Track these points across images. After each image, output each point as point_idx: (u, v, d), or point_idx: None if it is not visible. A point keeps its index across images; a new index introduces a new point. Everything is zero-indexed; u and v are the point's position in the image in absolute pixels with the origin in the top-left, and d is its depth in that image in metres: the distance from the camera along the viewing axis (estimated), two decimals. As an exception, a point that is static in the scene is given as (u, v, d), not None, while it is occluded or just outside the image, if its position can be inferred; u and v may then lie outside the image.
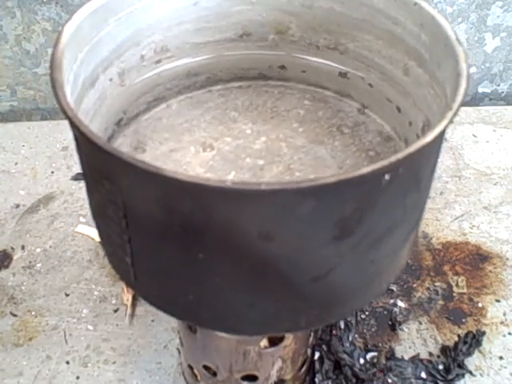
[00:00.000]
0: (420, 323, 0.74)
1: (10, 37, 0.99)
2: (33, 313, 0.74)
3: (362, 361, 0.68)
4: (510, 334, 0.72)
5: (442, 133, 0.38)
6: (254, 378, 0.59)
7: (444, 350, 0.70)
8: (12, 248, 0.81)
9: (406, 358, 0.69)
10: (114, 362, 0.69)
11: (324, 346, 0.68)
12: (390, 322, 0.73)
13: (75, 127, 0.36)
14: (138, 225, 0.39)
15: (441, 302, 0.76)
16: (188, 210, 0.36)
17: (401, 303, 0.75)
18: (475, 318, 0.74)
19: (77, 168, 0.92)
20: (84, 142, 0.38)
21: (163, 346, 0.71)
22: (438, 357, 0.70)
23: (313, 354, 0.67)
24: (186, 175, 0.33)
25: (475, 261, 0.81)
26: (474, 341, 0.70)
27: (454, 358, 0.68)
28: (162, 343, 0.71)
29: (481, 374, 0.68)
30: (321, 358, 0.67)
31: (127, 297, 0.75)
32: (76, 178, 0.91)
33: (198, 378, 0.63)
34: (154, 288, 0.44)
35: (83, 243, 0.82)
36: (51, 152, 0.96)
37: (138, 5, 0.49)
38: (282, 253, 0.38)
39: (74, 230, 0.84)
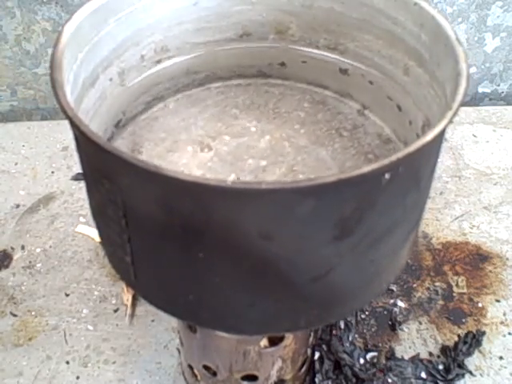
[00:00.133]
0: (420, 323, 0.74)
1: (9, 37, 0.99)
2: (33, 313, 0.74)
3: (362, 361, 0.68)
4: (510, 333, 0.72)
5: (442, 132, 0.38)
6: (254, 377, 0.59)
7: (444, 350, 0.70)
8: (12, 248, 0.81)
9: (406, 357, 0.69)
10: (114, 362, 0.69)
11: (324, 346, 0.68)
12: (390, 322, 0.73)
13: (75, 127, 0.36)
14: (138, 224, 0.39)
15: (441, 302, 0.76)
16: (188, 210, 0.36)
17: (401, 303, 0.75)
18: (475, 318, 0.74)
19: (77, 168, 0.92)
20: (84, 142, 0.38)
21: (163, 346, 0.71)
22: (438, 357, 0.70)
23: (313, 354, 0.67)
24: (186, 175, 0.33)
25: (475, 261, 0.81)
26: (474, 341, 0.70)
27: (454, 357, 0.68)
28: (162, 343, 0.71)
29: (481, 374, 0.68)
30: (321, 358, 0.67)
31: (127, 297, 0.75)
32: (76, 177, 0.91)
33: (198, 377, 0.63)
34: (154, 288, 0.44)
35: (83, 243, 0.82)
36: (51, 152, 0.96)
37: (138, 5, 0.49)
38: (282, 253, 0.38)
39: (74, 230, 0.84)
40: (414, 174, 0.39)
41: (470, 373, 0.68)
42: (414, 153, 0.35)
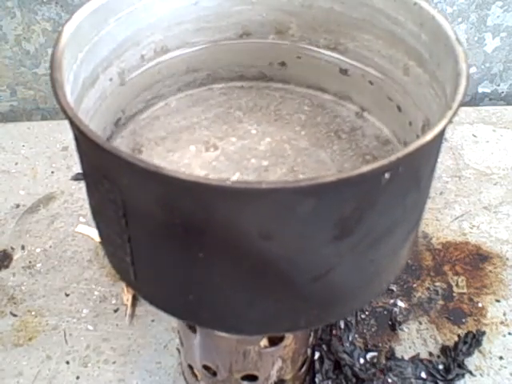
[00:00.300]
0: (420, 323, 0.74)
1: (9, 37, 0.99)
2: (33, 313, 0.74)
3: (362, 361, 0.68)
4: (510, 333, 0.72)
5: (442, 132, 0.38)
6: (254, 377, 0.59)
7: (444, 350, 0.70)
8: (12, 248, 0.81)
9: (406, 358, 0.69)
10: (114, 362, 0.69)
11: (324, 346, 0.68)
12: (390, 322, 0.73)
13: (75, 127, 0.36)
14: (138, 224, 0.39)
15: (441, 302, 0.76)
16: (188, 210, 0.36)
17: (401, 303, 0.75)
18: (475, 318, 0.74)
19: (77, 168, 0.92)
20: (84, 142, 0.38)
21: (163, 346, 0.71)
22: (438, 357, 0.70)
23: (313, 354, 0.67)
24: (186, 174, 0.33)
25: (475, 261, 0.81)
26: (474, 341, 0.70)
27: (454, 358, 0.68)
28: (162, 343, 0.71)
29: (481, 374, 0.68)
30: (321, 358, 0.67)
31: (127, 297, 0.75)
32: (76, 177, 0.91)
33: (198, 377, 0.63)
34: (154, 288, 0.44)
35: (83, 243, 0.82)
36: (51, 152, 0.96)
37: (138, 4, 0.49)
38: (282, 252, 0.38)
39: (74, 230, 0.84)
40: (413, 173, 0.39)
41: (470, 373, 0.68)
42: (413, 153, 0.35)
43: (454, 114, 0.38)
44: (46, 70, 1.02)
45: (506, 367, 0.69)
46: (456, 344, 0.70)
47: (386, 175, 0.35)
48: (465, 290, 0.77)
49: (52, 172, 0.93)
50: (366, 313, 0.74)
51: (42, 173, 0.93)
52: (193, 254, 0.38)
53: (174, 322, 0.71)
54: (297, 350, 0.59)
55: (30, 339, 0.71)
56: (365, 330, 0.72)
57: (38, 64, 1.02)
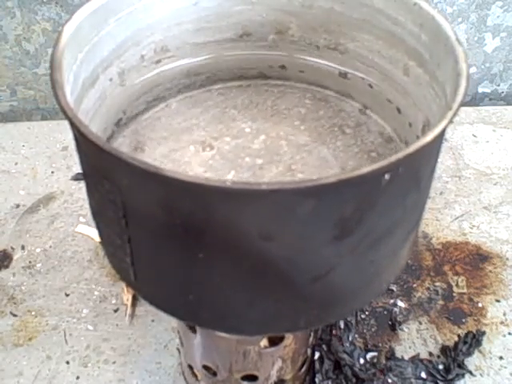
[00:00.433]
0: (420, 323, 0.74)
1: (10, 37, 0.99)
2: (33, 313, 0.74)
3: (362, 361, 0.68)
4: (510, 333, 0.72)
5: (442, 133, 0.38)
6: (254, 377, 0.59)
7: (444, 349, 0.70)
8: (12, 248, 0.81)
9: (406, 358, 0.69)
10: (114, 362, 0.69)
11: (324, 346, 0.68)
12: (390, 322, 0.73)
13: (75, 127, 0.36)
14: (138, 225, 0.39)
15: (441, 302, 0.76)
16: (188, 210, 0.36)
17: (401, 303, 0.75)
18: (475, 318, 0.74)
19: (77, 168, 0.92)
20: (84, 142, 0.38)
21: (163, 346, 0.71)
22: (438, 357, 0.70)
23: (313, 354, 0.67)
24: (186, 175, 0.33)
25: (475, 261, 0.81)
26: (474, 341, 0.70)
27: (454, 358, 0.68)
28: (162, 343, 0.71)
29: (481, 374, 0.68)
30: (321, 358, 0.67)
31: (127, 297, 0.75)
32: (76, 178, 0.91)
33: (198, 377, 0.63)
34: (154, 288, 0.44)
35: (83, 243, 0.82)
36: (51, 152, 0.96)
37: (138, 5, 0.49)
38: (282, 253, 0.38)
39: (74, 230, 0.84)
40: (413, 174, 0.39)
41: (470, 373, 0.68)
42: (413, 153, 0.35)
43: (455, 114, 0.38)
44: (46, 70, 1.02)
45: (506, 367, 0.69)
46: (456, 344, 0.70)
47: (386, 176, 0.35)
48: (465, 290, 0.77)
49: (52, 172, 0.93)
50: (366, 313, 0.74)
51: (41, 173, 0.93)
52: (193, 254, 0.38)
53: (173, 322, 0.71)
54: (297, 350, 0.59)
55: (30, 339, 0.71)
56: (365, 330, 0.72)
57: (38, 64, 1.02)
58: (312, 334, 0.64)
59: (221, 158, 0.51)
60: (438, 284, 0.78)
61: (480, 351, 0.70)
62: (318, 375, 0.66)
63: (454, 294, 0.77)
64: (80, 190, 0.89)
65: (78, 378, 0.68)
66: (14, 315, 0.74)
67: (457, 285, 0.78)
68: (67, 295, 0.76)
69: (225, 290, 0.41)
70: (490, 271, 0.79)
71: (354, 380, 0.66)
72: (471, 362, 0.69)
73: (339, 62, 0.55)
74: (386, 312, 0.74)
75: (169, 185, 0.34)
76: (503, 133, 1.01)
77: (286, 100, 0.56)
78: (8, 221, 0.85)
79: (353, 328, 0.71)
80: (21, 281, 0.77)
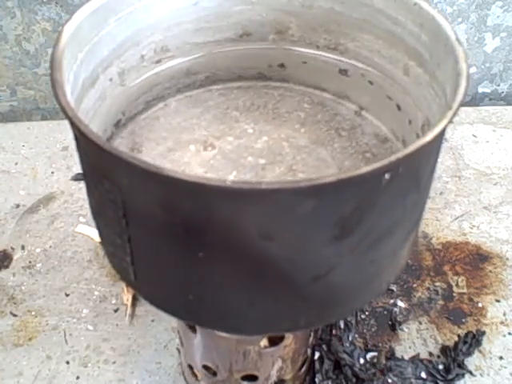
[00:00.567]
0: (420, 323, 0.74)
1: (10, 37, 0.99)
2: (33, 313, 0.74)
3: (362, 361, 0.68)
4: (510, 333, 0.72)
5: (442, 132, 0.38)
6: (254, 377, 0.59)
7: (444, 350, 0.70)
8: (12, 248, 0.81)
9: (406, 357, 0.69)
10: (114, 362, 0.69)
11: (324, 346, 0.68)
12: (390, 322, 0.73)
13: (75, 127, 0.36)
14: (138, 224, 0.39)
15: (441, 302, 0.76)
16: (188, 210, 0.36)
17: (401, 303, 0.75)
18: (475, 318, 0.74)
19: (77, 168, 0.92)
20: (84, 142, 0.38)
21: (163, 346, 0.71)
22: (438, 357, 0.70)
23: (313, 354, 0.67)
24: (186, 175, 0.33)
25: (475, 261, 0.81)
26: (473, 341, 0.70)
27: (454, 358, 0.68)
28: (162, 343, 0.71)
29: (481, 374, 0.68)
30: (321, 358, 0.67)
31: (127, 297, 0.75)
32: (76, 178, 0.91)
33: (198, 377, 0.63)
34: (154, 287, 0.44)
35: (83, 243, 0.82)
36: (51, 152, 0.96)
37: (138, 5, 0.49)
38: (282, 252, 0.38)
39: (74, 230, 0.84)
40: (413, 174, 0.39)
41: (470, 373, 0.68)
42: (413, 153, 0.35)
43: (454, 114, 0.38)
44: (46, 70, 1.02)
45: (505, 367, 0.69)
46: (456, 344, 0.70)
47: (386, 176, 0.35)
48: (465, 290, 0.77)
49: (52, 172, 0.93)
50: (366, 313, 0.74)
51: (42, 173, 0.93)
52: (193, 253, 0.38)
53: (174, 321, 0.71)
54: (297, 350, 0.59)
55: (30, 339, 0.71)
56: (365, 330, 0.72)
57: (38, 64, 1.02)
58: (312, 334, 0.64)
59: (222, 158, 0.51)
60: (437, 284, 0.78)
61: (480, 351, 0.70)
62: (317, 375, 0.66)
63: (454, 294, 0.77)
64: (80, 190, 0.89)
65: (78, 377, 0.68)
66: (14, 315, 0.74)
67: (457, 285, 0.78)
68: (67, 295, 0.76)
69: (225, 289, 0.41)
70: (490, 271, 0.79)
71: (354, 380, 0.66)
72: (471, 361, 0.69)
73: (339, 63, 0.55)
74: (385, 312, 0.74)
75: (169, 184, 0.34)
76: (503, 133, 1.01)
77: (286, 103, 0.57)
78: (8, 221, 0.85)
79: (353, 328, 0.71)
80: (21, 281, 0.77)
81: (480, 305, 0.75)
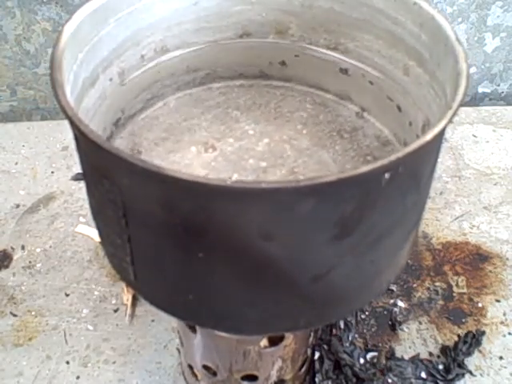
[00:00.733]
0: (420, 323, 0.73)
1: (10, 37, 0.99)
2: (33, 313, 0.74)
3: (362, 361, 0.68)
4: (510, 333, 0.72)
5: (442, 132, 0.38)
6: (254, 377, 0.59)
7: (444, 349, 0.70)
8: (12, 248, 0.81)
9: (406, 358, 0.69)
10: (114, 362, 0.69)
11: (324, 346, 0.68)
12: (390, 322, 0.73)
13: (75, 126, 0.36)
14: (138, 224, 0.39)
15: (441, 302, 0.76)
16: (188, 210, 0.36)
17: (401, 303, 0.75)
18: (475, 318, 0.74)
19: (77, 168, 0.92)
20: (84, 142, 0.38)
21: (163, 346, 0.71)
22: (438, 357, 0.70)
23: (313, 354, 0.67)
24: (186, 174, 0.33)
25: (475, 261, 0.81)
26: (473, 341, 0.70)
27: (454, 357, 0.68)
28: (162, 343, 0.71)
29: (481, 374, 0.68)
30: (321, 358, 0.67)
31: (127, 297, 0.75)
32: (76, 177, 0.91)
33: (198, 377, 0.63)
34: (154, 288, 0.44)
35: (83, 243, 0.82)
36: (51, 152, 0.96)
37: (138, 5, 0.49)
38: (282, 252, 0.38)
39: (74, 230, 0.84)
40: (413, 173, 0.39)
41: (470, 373, 0.68)
42: (413, 153, 0.35)
43: (454, 114, 0.38)
44: (45, 70, 1.02)
45: (505, 367, 0.69)
46: (456, 344, 0.70)
47: (386, 175, 0.35)
48: (465, 290, 0.77)
49: (52, 172, 0.93)
50: (366, 313, 0.74)
51: (41, 173, 0.93)
52: (193, 253, 0.38)
53: (174, 321, 0.71)
54: (297, 350, 0.59)
55: (30, 339, 0.71)
56: (365, 330, 0.72)
57: (38, 64, 1.02)
58: (312, 334, 0.64)
59: (224, 160, 0.51)
60: (437, 284, 0.78)
61: (480, 351, 0.70)
62: (317, 375, 0.66)
63: (454, 294, 0.77)
64: (80, 190, 0.89)
65: (78, 377, 0.68)
66: (14, 315, 0.74)
67: (457, 285, 0.78)
68: (67, 295, 0.76)
69: (225, 289, 0.41)
70: (490, 271, 0.79)
71: (354, 380, 0.66)
72: (471, 361, 0.69)
73: (339, 62, 0.55)
74: (386, 312, 0.74)
75: (169, 184, 0.34)
76: (503, 133, 1.01)
77: (288, 103, 0.57)
78: (8, 221, 0.85)
79: (353, 328, 0.71)
80: (21, 281, 0.77)
81: (480, 305, 0.75)
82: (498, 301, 0.76)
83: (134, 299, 0.75)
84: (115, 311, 0.74)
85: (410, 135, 0.50)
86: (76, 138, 0.41)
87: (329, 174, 0.49)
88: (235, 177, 0.50)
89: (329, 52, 0.54)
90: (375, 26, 0.50)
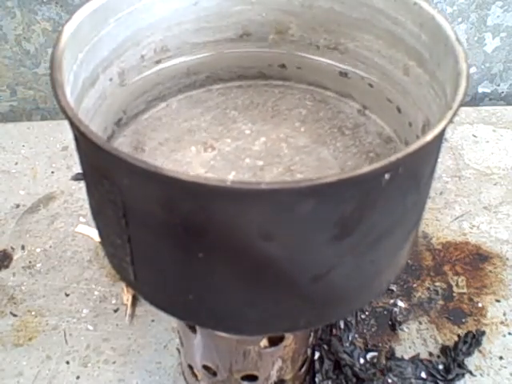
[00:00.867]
0: (420, 323, 0.74)
1: (10, 37, 0.99)
2: (33, 313, 0.74)
3: (362, 361, 0.68)
4: (510, 333, 0.72)
5: (442, 132, 0.38)
6: (254, 377, 0.59)
7: (444, 350, 0.70)
8: (12, 248, 0.81)
9: (406, 358, 0.69)
10: (114, 362, 0.69)
11: (324, 346, 0.68)
12: (390, 322, 0.73)
13: (75, 127, 0.36)
14: (138, 224, 0.39)
15: (441, 302, 0.76)
16: (188, 210, 0.36)
17: (401, 303, 0.75)
18: (475, 318, 0.74)
19: (77, 168, 0.92)
20: (84, 142, 0.38)
21: (163, 346, 0.71)
22: (438, 357, 0.70)
23: (313, 354, 0.67)
24: (186, 175, 0.33)
25: (475, 261, 0.81)
26: (473, 341, 0.70)
27: (454, 357, 0.68)
28: (162, 343, 0.71)
29: (481, 374, 0.68)
30: (321, 358, 0.67)
31: (127, 297, 0.75)
32: (76, 177, 0.91)
33: (198, 377, 0.63)
34: (154, 288, 0.44)
35: (83, 243, 0.82)
36: (51, 152, 0.96)
37: (138, 5, 0.49)
38: (282, 252, 0.38)
39: (74, 230, 0.84)
40: (413, 174, 0.39)
41: (470, 373, 0.68)
42: (413, 153, 0.35)
43: (455, 114, 0.38)
44: (45, 70, 1.02)
45: (505, 367, 0.69)
46: (456, 344, 0.70)
47: (386, 176, 0.35)
48: (465, 290, 0.77)
49: (52, 172, 0.93)
50: (366, 313, 0.74)
51: (41, 173, 0.93)
52: (193, 253, 0.38)
53: (174, 321, 0.71)
54: (297, 350, 0.59)
55: (30, 339, 0.71)
56: (365, 330, 0.72)
57: (38, 64, 1.02)
58: (312, 334, 0.64)
59: (222, 159, 0.51)
60: (438, 284, 0.78)
61: (480, 351, 0.70)
62: (317, 375, 0.66)
63: (454, 294, 0.77)
64: (80, 190, 0.89)
65: (78, 377, 0.68)
66: (14, 315, 0.74)
67: (457, 285, 0.78)
68: (67, 295, 0.76)
69: (225, 289, 0.41)
70: (490, 271, 0.79)
71: (354, 380, 0.66)
72: (471, 361, 0.69)
73: (339, 62, 0.55)
74: (386, 312, 0.74)
75: (169, 184, 0.35)
76: (503, 133, 1.01)
77: (287, 101, 0.57)
78: (8, 221, 0.85)
79: (353, 328, 0.71)
80: (21, 281, 0.77)
81: (480, 305, 0.75)
82: (498, 301, 0.76)
83: (134, 299, 0.75)
84: (115, 311, 0.74)
85: (411, 135, 0.50)
86: (76, 139, 0.41)
87: (329, 172, 0.50)
88: (233, 175, 0.50)
89: (328, 59, 0.54)
90: (375, 26, 0.50)
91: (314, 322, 0.47)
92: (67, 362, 0.69)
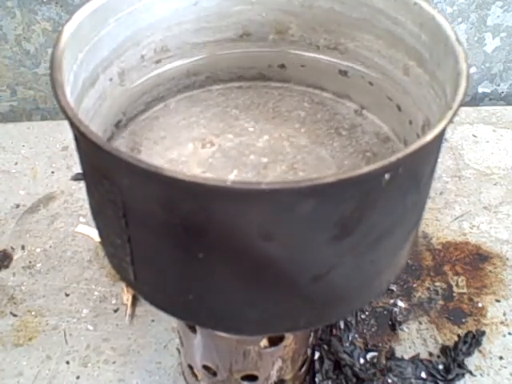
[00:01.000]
0: (420, 323, 0.73)
1: (10, 37, 0.99)
2: (33, 313, 0.74)
3: (362, 361, 0.68)
4: (510, 333, 0.72)
5: (442, 132, 0.38)
6: (254, 377, 0.59)
7: (444, 350, 0.70)
8: (12, 248, 0.81)
9: (406, 358, 0.69)
10: (114, 362, 0.69)
11: (324, 346, 0.68)
12: (390, 322, 0.73)
13: (75, 127, 0.36)
14: (138, 224, 0.39)
15: (441, 302, 0.76)
16: (188, 210, 0.36)
17: (401, 303, 0.75)
18: (475, 318, 0.74)
19: (77, 168, 0.92)
20: (84, 142, 0.38)
21: (163, 346, 0.71)
22: (438, 357, 0.70)
23: (313, 354, 0.67)
24: (186, 175, 0.33)
25: (475, 261, 0.81)
26: (473, 341, 0.70)
27: (454, 357, 0.68)
28: (162, 343, 0.71)
29: (481, 374, 0.68)
30: (321, 358, 0.67)
31: (127, 297, 0.75)
32: (76, 177, 0.91)
33: (198, 377, 0.63)
34: (154, 288, 0.44)
35: (83, 243, 0.82)
36: (51, 152, 0.96)
37: (138, 5, 0.49)
38: (282, 252, 0.38)
39: (74, 230, 0.84)
40: (413, 174, 0.39)
41: (470, 373, 0.68)
42: (413, 153, 0.35)
43: (455, 114, 0.38)
44: (45, 70, 1.02)
45: (505, 367, 0.69)
46: (456, 344, 0.70)
47: (386, 176, 0.35)
48: (465, 290, 0.77)
49: (52, 172, 0.93)
50: (366, 313, 0.74)
51: (41, 173, 0.93)
52: (193, 254, 0.38)
53: (174, 321, 0.71)
54: (297, 350, 0.59)
55: (30, 339, 0.71)
56: (365, 330, 0.72)
57: (38, 64, 1.02)
58: (312, 334, 0.64)
59: (222, 156, 0.51)
60: (437, 284, 0.78)
61: (480, 351, 0.70)
62: (317, 375, 0.66)
63: (454, 294, 0.77)
64: (80, 189, 0.89)
65: (78, 377, 0.68)
66: (14, 315, 0.74)
67: (457, 285, 0.78)
68: (67, 295, 0.76)
69: (225, 290, 0.41)
70: (490, 271, 0.79)
71: (354, 380, 0.66)
72: (471, 361, 0.69)
73: (339, 61, 0.55)
74: (386, 312, 0.74)
75: (169, 184, 0.35)
76: (503, 133, 1.01)
77: (286, 103, 0.57)
78: (8, 221, 0.85)
79: (353, 328, 0.71)
80: (21, 281, 0.77)
81: (480, 305, 0.75)
82: (498, 301, 0.76)
83: (134, 299, 0.75)
84: (115, 311, 0.74)
85: (410, 133, 0.50)
86: (76, 139, 0.41)
87: (328, 171, 0.50)
88: (235, 173, 0.50)
89: (328, 56, 0.54)
90: (375, 25, 0.50)
91: (314, 322, 0.47)
92: (67, 362, 0.69)
